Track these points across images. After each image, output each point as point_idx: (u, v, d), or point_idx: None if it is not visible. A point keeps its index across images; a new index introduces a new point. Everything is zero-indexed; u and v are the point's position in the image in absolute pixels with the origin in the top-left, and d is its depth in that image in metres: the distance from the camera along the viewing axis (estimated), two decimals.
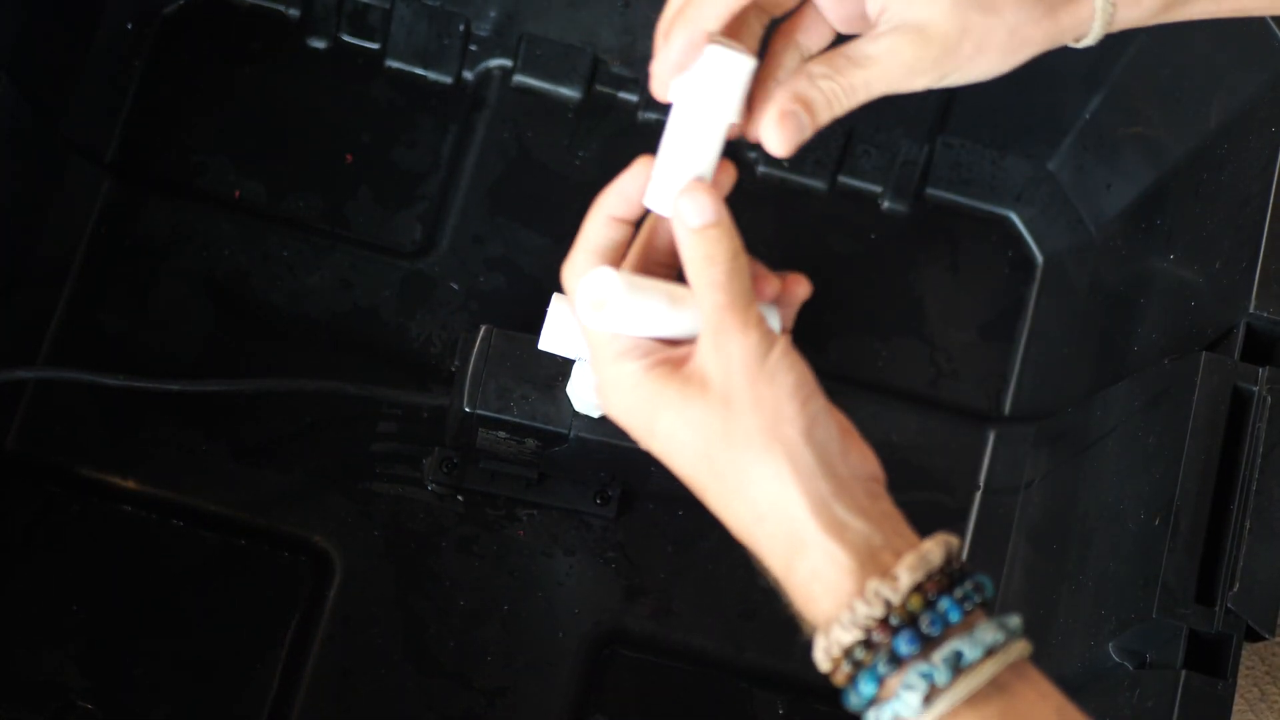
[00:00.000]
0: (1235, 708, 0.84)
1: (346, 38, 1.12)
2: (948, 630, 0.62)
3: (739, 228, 1.04)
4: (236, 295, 1.07)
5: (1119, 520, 0.93)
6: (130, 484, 1.03)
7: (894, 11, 0.68)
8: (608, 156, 1.11)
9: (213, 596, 1.02)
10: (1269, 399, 0.88)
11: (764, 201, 1.12)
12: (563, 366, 0.97)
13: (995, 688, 0.62)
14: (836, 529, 0.64)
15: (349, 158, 1.11)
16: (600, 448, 0.99)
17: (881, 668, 0.62)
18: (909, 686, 0.62)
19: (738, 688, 1.04)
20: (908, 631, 0.62)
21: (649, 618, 1.05)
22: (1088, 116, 1.07)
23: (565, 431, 0.98)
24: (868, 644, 0.62)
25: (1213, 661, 0.85)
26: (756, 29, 0.71)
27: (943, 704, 0.61)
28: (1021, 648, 0.63)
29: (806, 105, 0.68)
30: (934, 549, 0.64)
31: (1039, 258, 1.14)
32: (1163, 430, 0.91)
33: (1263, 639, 0.86)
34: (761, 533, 0.66)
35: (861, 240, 1.13)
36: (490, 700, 1.02)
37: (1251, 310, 0.90)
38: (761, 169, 1.12)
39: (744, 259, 0.67)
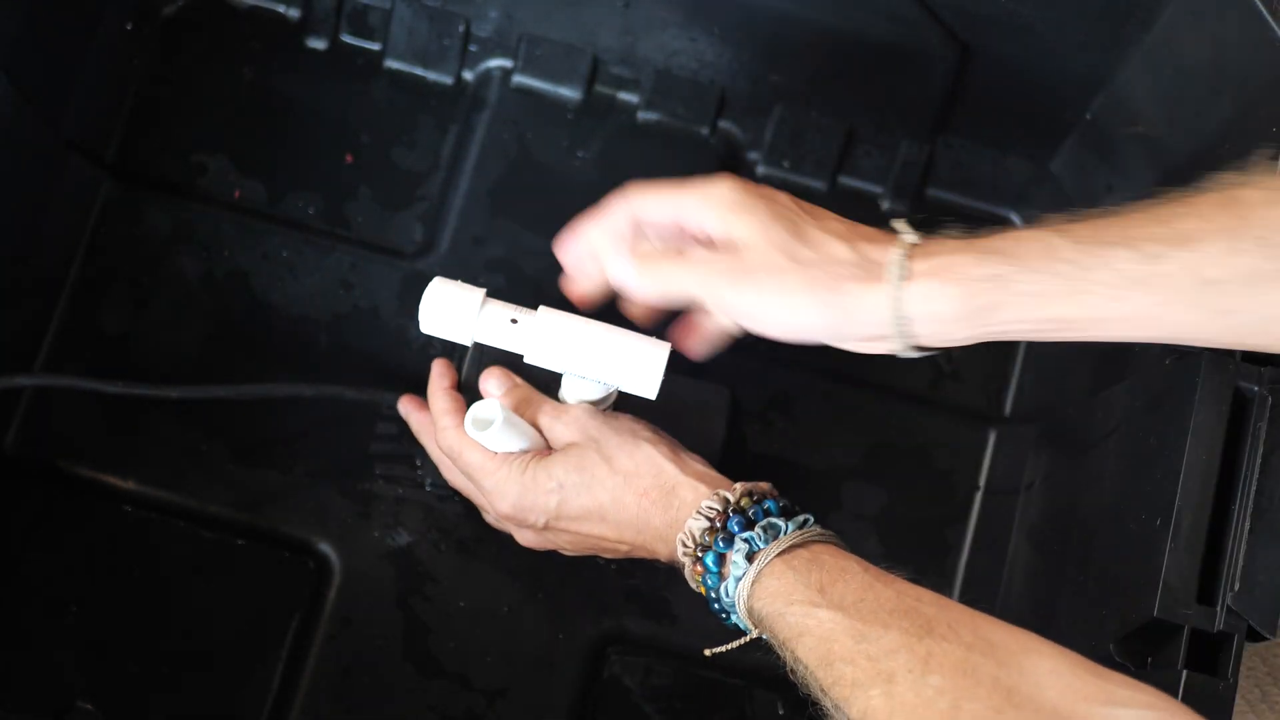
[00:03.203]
0: (1236, 708, 0.84)
1: (346, 38, 1.12)
2: (768, 517, 0.85)
3: None
4: (236, 295, 1.07)
5: (1120, 521, 0.93)
6: (130, 484, 1.03)
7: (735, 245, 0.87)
8: (608, 156, 1.11)
9: (213, 597, 1.02)
10: (1270, 400, 0.88)
11: None
12: (557, 372, 0.97)
13: (808, 553, 0.83)
14: (695, 475, 0.89)
15: (349, 158, 1.11)
16: None
17: (720, 544, 0.85)
18: (738, 550, 0.84)
19: (738, 688, 1.04)
20: (738, 516, 0.85)
21: (649, 619, 1.05)
22: (1089, 117, 1.07)
23: None
24: (711, 529, 0.85)
25: (1214, 662, 0.85)
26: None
27: (761, 560, 0.83)
28: (830, 535, 0.85)
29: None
30: (764, 484, 0.88)
31: None
32: (1164, 431, 0.91)
33: (1264, 639, 0.86)
34: (646, 503, 0.90)
35: None
36: (490, 700, 1.02)
37: None
38: (761, 169, 1.12)
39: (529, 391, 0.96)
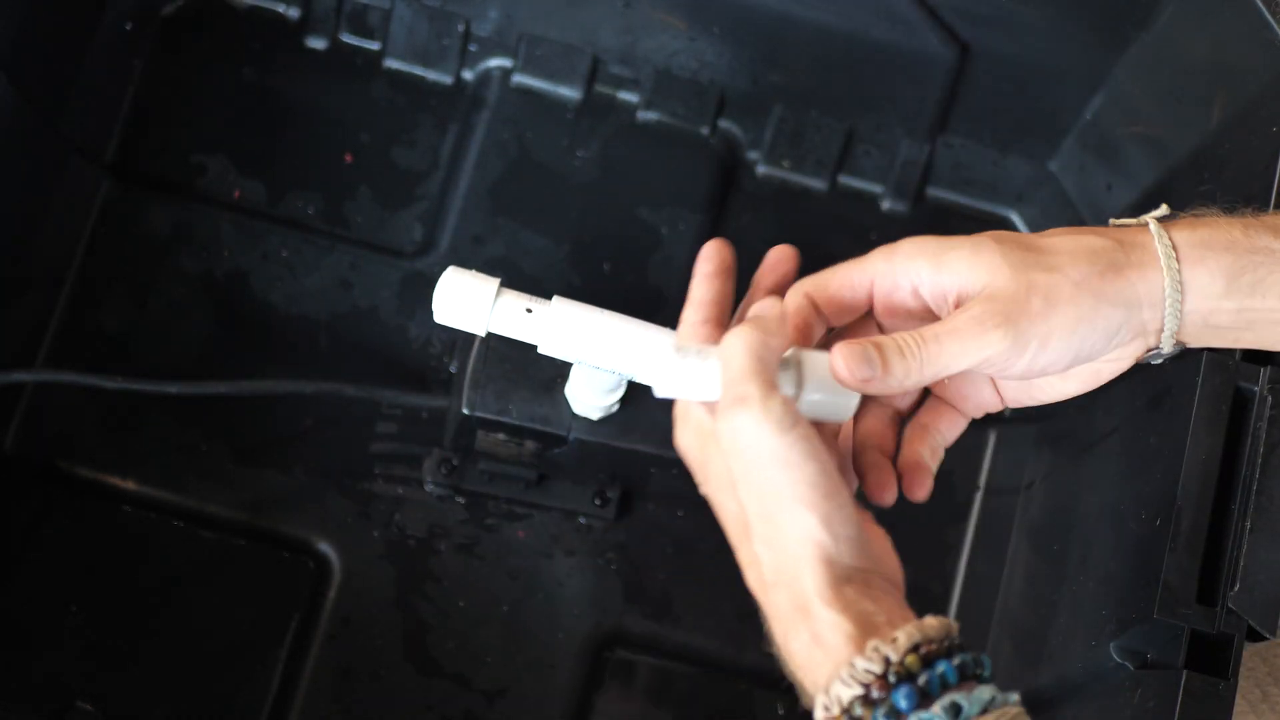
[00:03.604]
0: (1236, 708, 0.83)
1: (346, 38, 1.12)
2: (945, 689, 0.64)
3: (740, 228, 1.06)
4: (236, 295, 1.07)
5: (1120, 520, 0.93)
6: (130, 484, 1.03)
7: (966, 294, 0.73)
8: (608, 156, 1.11)
9: (213, 597, 1.02)
10: (1270, 399, 0.88)
11: (764, 201, 1.12)
12: (561, 368, 0.97)
13: None
14: (840, 602, 0.66)
15: (349, 158, 1.11)
16: (599, 449, 0.99)
17: None
18: None
19: (738, 688, 1.04)
20: (906, 686, 0.63)
21: (649, 619, 1.05)
22: (1089, 116, 1.07)
23: (564, 434, 0.98)
24: (866, 700, 0.64)
25: (1214, 662, 0.85)
26: (816, 333, 0.75)
27: None
28: (1019, 712, 0.64)
29: (876, 345, 0.70)
30: (933, 622, 0.65)
31: None
32: (1164, 430, 0.91)
33: (1264, 639, 0.86)
34: (769, 600, 0.68)
35: (861, 240, 1.13)
36: (490, 701, 1.02)
37: None
38: (761, 169, 1.12)
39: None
